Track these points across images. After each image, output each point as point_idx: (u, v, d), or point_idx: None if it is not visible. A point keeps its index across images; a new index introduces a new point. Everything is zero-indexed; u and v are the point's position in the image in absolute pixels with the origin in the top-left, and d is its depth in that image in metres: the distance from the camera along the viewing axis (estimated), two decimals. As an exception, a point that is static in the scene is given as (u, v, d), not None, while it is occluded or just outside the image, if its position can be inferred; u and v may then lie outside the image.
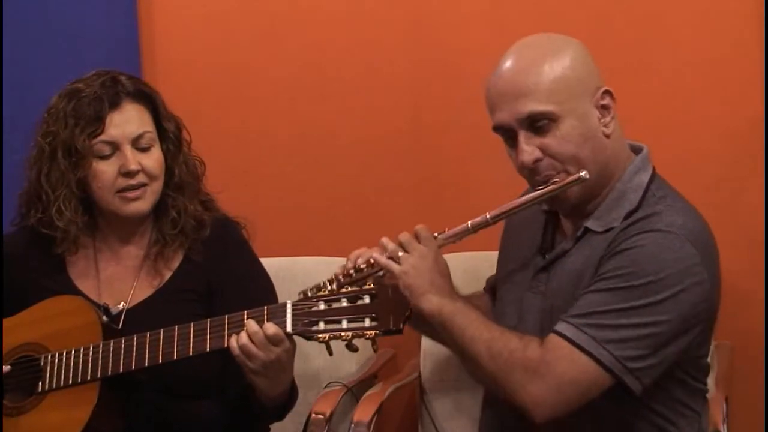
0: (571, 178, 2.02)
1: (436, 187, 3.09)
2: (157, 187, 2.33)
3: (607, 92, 2.06)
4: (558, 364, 1.94)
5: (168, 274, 2.35)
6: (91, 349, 2.19)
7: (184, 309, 2.30)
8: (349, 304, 2.05)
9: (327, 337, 2.04)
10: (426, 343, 2.91)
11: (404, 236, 2.08)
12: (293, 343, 2.13)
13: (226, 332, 2.11)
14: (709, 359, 2.14)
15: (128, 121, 2.30)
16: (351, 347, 2.05)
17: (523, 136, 2.03)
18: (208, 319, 2.14)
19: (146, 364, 2.15)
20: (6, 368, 2.24)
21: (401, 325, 2.02)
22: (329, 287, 2.11)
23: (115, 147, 2.28)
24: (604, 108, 2.05)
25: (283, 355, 2.11)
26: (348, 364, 2.85)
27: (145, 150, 2.31)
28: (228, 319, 2.12)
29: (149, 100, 2.35)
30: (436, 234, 2.09)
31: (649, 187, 2.06)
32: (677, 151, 2.74)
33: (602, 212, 2.06)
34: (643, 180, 2.07)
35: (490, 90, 2.08)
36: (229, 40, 3.21)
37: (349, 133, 3.15)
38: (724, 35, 2.86)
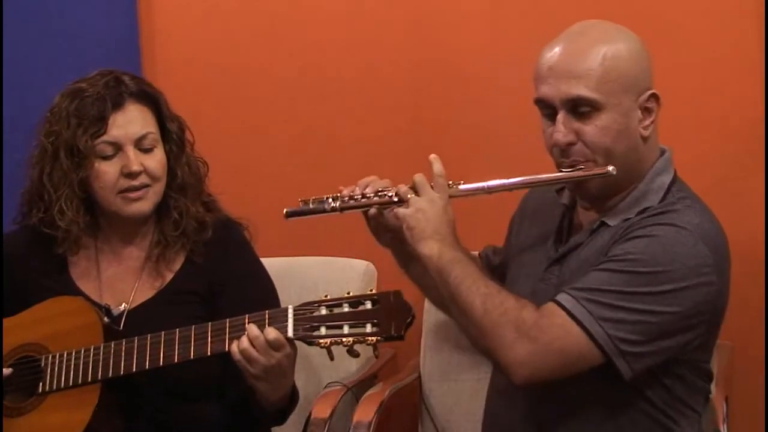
0: (598, 170, 2.02)
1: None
2: (159, 188, 2.32)
3: (654, 95, 2.06)
4: (550, 331, 1.94)
5: (169, 276, 2.35)
6: (92, 350, 2.19)
7: (186, 310, 2.30)
8: (351, 310, 2.05)
9: (328, 343, 2.04)
10: (426, 343, 2.91)
11: (419, 177, 2.08)
12: (294, 348, 2.13)
13: (227, 336, 2.11)
14: (711, 366, 2.13)
15: (131, 121, 2.29)
16: (352, 353, 2.05)
17: (562, 116, 2.02)
18: (209, 323, 2.14)
19: (147, 367, 2.15)
20: (7, 371, 2.24)
21: (403, 332, 2.03)
22: (332, 204, 2.11)
23: (117, 147, 2.28)
24: (647, 110, 2.05)
25: (284, 360, 2.11)
26: (348, 364, 2.85)
27: (147, 151, 2.30)
28: (229, 323, 2.12)
29: (152, 100, 2.34)
30: (451, 182, 2.09)
31: (670, 189, 2.07)
32: (677, 151, 2.72)
33: (621, 210, 2.06)
34: (664, 181, 2.08)
35: (542, 62, 2.06)
36: (229, 39, 3.21)
37: (349, 133, 3.14)
38: (724, 35, 2.86)
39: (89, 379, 2.18)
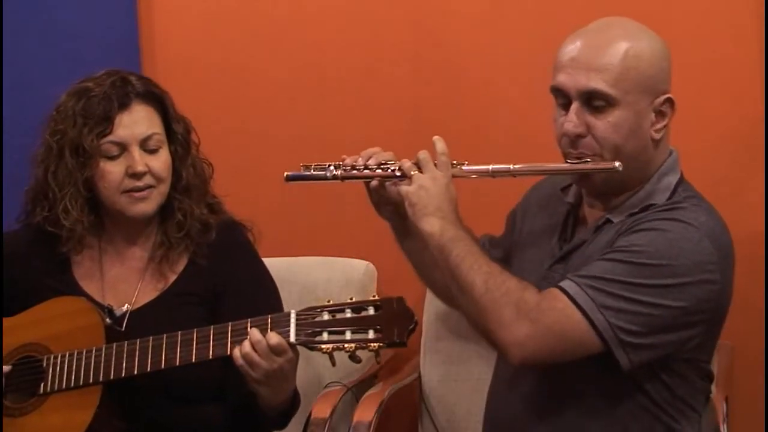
0: (604, 165, 2.02)
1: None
2: (163, 189, 2.32)
3: (669, 100, 2.06)
4: (551, 314, 1.94)
5: (173, 277, 2.34)
6: (93, 352, 2.19)
7: (188, 312, 2.30)
8: (353, 315, 2.05)
9: (330, 348, 2.04)
10: (426, 343, 2.91)
11: (423, 154, 2.07)
12: (296, 353, 2.12)
13: (229, 340, 2.11)
14: (711, 367, 2.14)
15: (137, 122, 2.29)
16: (354, 359, 2.05)
17: (575, 107, 2.02)
18: (212, 327, 2.14)
19: (148, 369, 2.15)
20: (7, 368, 2.24)
21: (405, 338, 2.02)
22: (334, 172, 2.11)
23: (123, 148, 2.28)
24: (661, 114, 2.06)
25: (286, 364, 2.10)
26: (348, 365, 2.84)
27: (153, 152, 2.30)
28: (231, 327, 2.12)
29: (159, 101, 2.34)
30: (455, 162, 2.08)
31: (676, 189, 2.07)
32: (677, 151, 2.73)
33: (626, 208, 2.07)
34: (671, 181, 2.08)
35: (564, 51, 2.06)
36: (229, 40, 3.21)
37: (349, 133, 3.14)
38: (724, 35, 2.86)
39: (90, 381, 2.17)
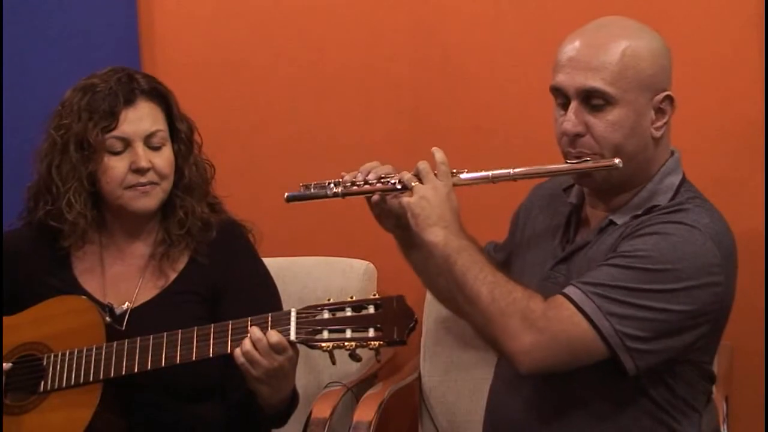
0: (604, 163, 2.01)
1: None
2: (166, 186, 2.33)
3: (669, 97, 2.06)
4: (558, 322, 1.94)
5: (173, 275, 2.34)
6: (93, 350, 2.19)
7: (189, 311, 2.30)
8: (354, 314, 2.05)
9: (330, 347, 2.03)
10: (426, 343, 2.91)
11: (423, 164, 2.07)
12: (296, 351, 2.12)
13: (229, 338, 2.11)
14: (713, 368, 2.13)
15: (142, 118, 2.30)
16: (354, 357, 2.05)
17: (574, 106, 2.03)
18: (212, 325, 2.14)
19: (149, 367, 2.15)
20: (7, 365, 2.24)
21: (405, 337, 2.02)
22: (334, 189, 2.12)
23: (127, 143, 2.29)
24: (661, 111, 2.06)
25: (286, 363, 2.11)
26: (348, 365, 2.84)
27: (156, 149, 2.31)
28: (232, 325, 2.12)
29: (163, 99, 2.35)
30: (455, 170, 2.08)
31: (679, 189, 2.07)
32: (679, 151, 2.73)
33: (629, 209, 2.07)
34: (673, 182, 2.08)
35: (563, 51, 2.06)
36: (229, 40, 3.21)
37: (349, 133, 3.14)
38: (724, 35, 2.86)
39: (91, 379, 2.18)
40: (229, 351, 2.11)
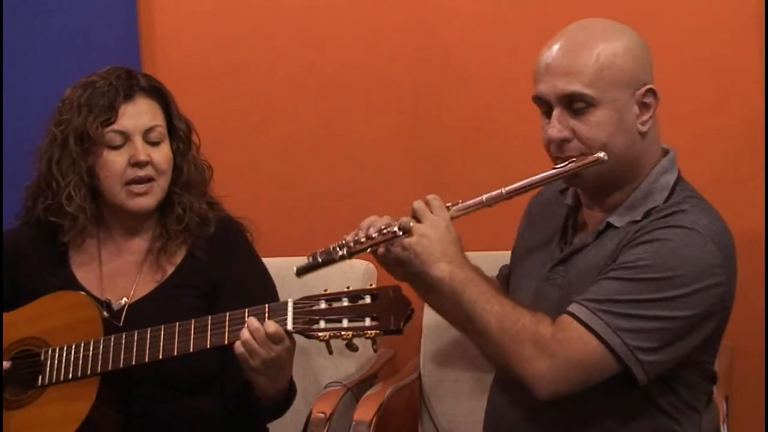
0: (588, 159, 2.02)
1: (436, 187, 3.06)
2: (164, 182, 2.34)
3: (651, 90, 2.06)
4: (568, 344, 1.94)
5: (170, 269, 2.36)
6: (91, 344, 2.20)
7: (186, 305, 2.31)
8: (350, 304, 2.05)
9: (327, 336, 2.04)
10: (426, 343, 2.91)
11: (417, 204, 2.07)
12: (293, 342, 2.13)
13: (227, 329, 2.11)
14: (714, 367, 2.13)
15: (141, 113, 2.32)
16: (351, 347, 2.05)
17: (558, 113, 2.03)
18: (209, 316, 2.14)
19: (146, 360, 2.16)
20: (6, 364, 2.25)
21: (401, 325, 2.02)
22: (339, 252, 2.10)
23: (126, 137, 2.31)
24: (645, 105, 2.05)
25: (284, 353, 2.11)
26: (348, 365, 2.85)
27: (155, 144, 2.33)
28: (229, 316, 2.13)
29: (162, 97, 2.38)
30: (449, 204, 2.08)
31: (674, 188, 2.07)
32: (677, 151, 2.73)
33: (625, 209, 2.07)
34: (669, 181, 2.08)
35: (540, 61, 2.08)
36: (229, 40, 3.21)
37: (349, 133, 3.15)
38: (724, 35, 2.86)
39: (88, 373, 2.18)
40: (226, 342, 2.11)
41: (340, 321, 2.04)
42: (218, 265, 2.35)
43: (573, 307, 1.97)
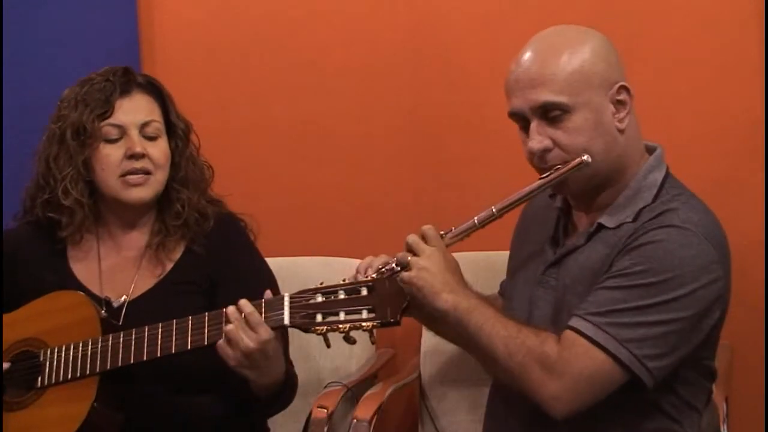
0: (572, 164, 2.02)
1: (436, 186, 3.09)
2: (161, 176, 2.35)
3: (623, 88, 2.06)
4: (576, 362, 1.94)
5: (170, 265, 2.36)
6: (89, 343, 2.20)
7: (186, 301, 2.31)
8: (347, 297, 2.05)
9: (324, 329, 2.04)
10: (426, 343, 2.91)
11: (411, 238, 2.07)
12: (284, 333, 2.11)
13: (223, 326, 2.10)
14: (714, 363, 2.13)
15: (137, 108, 2.34)
16: (348, 340, 2.04)
17: (535, 125, 2.03)
18: (206, 313, 2.14)
19: (145, 359, 2.15)
20: (6, 365, 2.25)
21: (398, 317, 2.01)
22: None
23: (122, 131, 2.32)
24: (620, 103, 2.05)
25: (266, 344, 2.09)
26: (348, 364, 2.85)
27: (151, 138, 2.34)
28: (225, 312, 2.12)
29: (159, 94, 2.39)
30: (443, 233, 2.08)
31: (663, 185, 2.07)
32: (677, 151, 2.72)
33: (615, 209, 2.06)
34: (657, 178, 2.07)
35: (509, 76, 2.08)
36: (229, 40, 3.21)
37: (350, 133, 3.15)
38: (724, 35, 2.86)
39: (87, 372, 2.18)
40: (224, 338, 2.10)
41: (337, 314, 2.03)
42: (217, 261, 2.35)
43: (576, 323, 1.97)
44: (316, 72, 3.16)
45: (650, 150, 2.13)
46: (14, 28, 3.14)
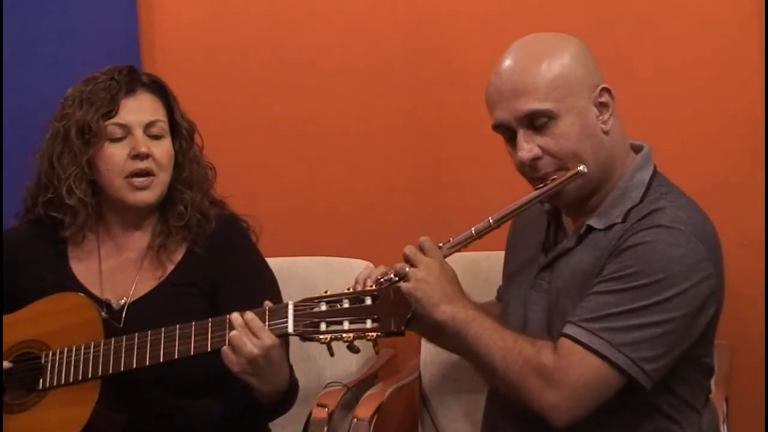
0: (569, 174, 2.02)
1: (436, 186, 3.09)
2: (164, 177, 2.35)
3: (605, 89, 2.06)
4: (573, 370, 1.94)
5: (171, 267, 2.36)
6: (92, 347, 2.19)
7: (187, 303, 2.31)
8: (351, 306, 2.04)
9: (328, 339, 2.03)
10: (426, 343, 2.90)
11: (409, 249, 2.07)
12: (283, 340, 2.11)
13: (227, 332, 2.10)
14: (712, 360, 2.13)
15: (142, 107, 2.34)
16: (352, 348, 2.04)
17: (522, 134, 2.04)
18: (209, 319, 2.13)
19: (147, 363, 2.15)
20: (7, 364, 2.24)
21: (402, 327, 2.01)
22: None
23: (127, 131, 2.32)
24: (603, 105, 2.06)
25: (270, 351, 2.08)
26: (348, 364, 2.85)
27: (156, 138, 2.34)
28: (229, 318, 2.12)
29: (164, 94, 2.39)
30: (440, 244, 2.08)
31: (650, 184, 2.07)
32: (677, 151, 2.73)
33: (604, 210, 2.07)
34: (644, 177, 2.08)
35: (490, 89, 2.09)
36: (230, 40, 3.21)
37: (350, 133, 3.15)
38: (724, 35, 2.86)
39: (89, 376, 2.18)
40: (227, 345, 2.10)
41: (341, 323, 2.03)
42: (218, 262, 2.35)
43: (570, 330, 1.97)
44: (316, 72, 3.16)
45: (637, 149, 2.13)
46: (14, 28, 3.14)
